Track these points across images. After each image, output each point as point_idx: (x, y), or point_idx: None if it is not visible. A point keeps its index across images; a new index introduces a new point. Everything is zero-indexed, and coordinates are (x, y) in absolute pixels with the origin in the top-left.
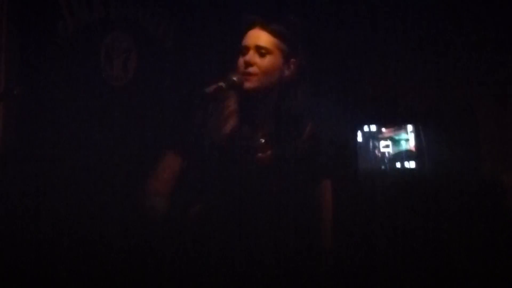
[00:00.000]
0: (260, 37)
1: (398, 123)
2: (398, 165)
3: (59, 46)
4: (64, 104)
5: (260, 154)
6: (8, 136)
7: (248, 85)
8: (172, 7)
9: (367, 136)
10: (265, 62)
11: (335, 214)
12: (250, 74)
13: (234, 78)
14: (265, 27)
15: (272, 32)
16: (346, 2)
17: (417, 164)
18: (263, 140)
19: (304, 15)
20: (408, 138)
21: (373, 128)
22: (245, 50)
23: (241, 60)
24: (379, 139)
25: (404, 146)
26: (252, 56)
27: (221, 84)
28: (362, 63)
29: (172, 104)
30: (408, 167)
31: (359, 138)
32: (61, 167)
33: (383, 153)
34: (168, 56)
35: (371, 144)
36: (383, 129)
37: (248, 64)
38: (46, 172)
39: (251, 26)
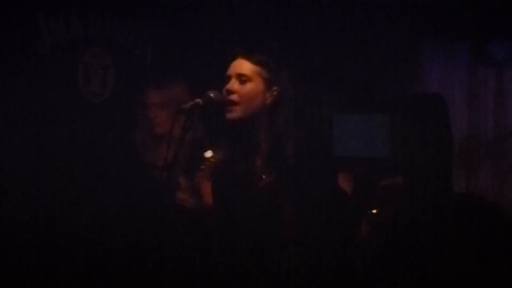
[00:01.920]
0: (242, 65)
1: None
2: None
3: (37, 63)
4: (42, 121)
5: (260, 184)
6: None
7: (230, 116)
8: (150, 24)
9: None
10: (246, 89)
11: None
12: (232, 102)
13: (211, 95)
14: (247, 57)
15: (254, 61)
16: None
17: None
18: (264, 176)
19: (286, 41)
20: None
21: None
22: (227, 79)
23: (224, 89)
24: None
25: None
26: (233, 84)
27: (198, 100)
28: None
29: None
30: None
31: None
32: (39, 184)
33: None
34: (146, 72)
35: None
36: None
37: (229, 91)
38: (24, 189)
39: (234, 57)
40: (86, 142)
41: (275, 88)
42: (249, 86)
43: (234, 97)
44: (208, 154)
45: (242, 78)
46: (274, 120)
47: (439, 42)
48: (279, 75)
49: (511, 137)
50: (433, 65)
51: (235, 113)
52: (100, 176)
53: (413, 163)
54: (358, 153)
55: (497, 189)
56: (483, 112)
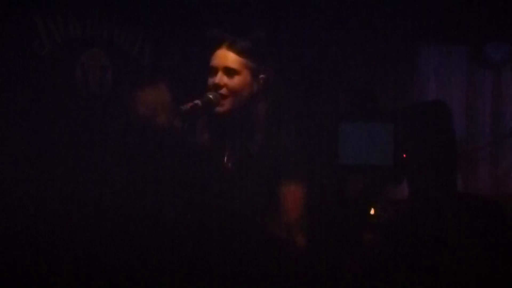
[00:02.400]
0: (227, 57)
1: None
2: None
3: (35, 64)
4: (41, 122)
5: (224, 165)
6: None
7: (219, 109)
8: (148, 25)
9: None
10: (234, 82)
11: (306, 213)
12: (221, 96)
13: (210, 96)
14: (231, 46)
15: (239, 52)
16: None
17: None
18: (226, 153)
19: (271, 27)
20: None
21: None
22: (213, 71)
23: (210, 82)
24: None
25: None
26: (220, 77)
27: (197, 102)
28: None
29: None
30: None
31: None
32: (38, 185)
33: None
34: (144, 73)
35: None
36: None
37: (218, 86)
38: (22, 191)
39: (218, 46)
40: (84, 142)
41: (261, 76)
42: (237, 79)
43: (223, 91)
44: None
45: (230, 71)
46: (255, 109)
47: (437, 45)
48: (265, 64)
49: (509, 138)
50: (430, 67)
51: (224, 106)
52: (98, 176)
53: (418, 170)
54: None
55: (495, 190)
56: (480, 113)
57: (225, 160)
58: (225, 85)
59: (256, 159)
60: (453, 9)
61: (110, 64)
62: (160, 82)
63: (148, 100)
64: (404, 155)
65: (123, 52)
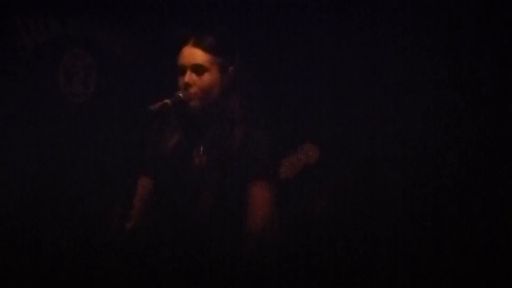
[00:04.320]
0: (195, 55)
1: None
2: None
3: (17, 65)
4: (24, 123)
5: (197, 160)
6: None
7: (191, 107)
8: (130, 23)
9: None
10: (204, 80)
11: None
12: (191, 95)
13: (180, 95)
14: (198, 43)
15: (205, 49)
16: None
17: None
18: (202, 148)
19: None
20: None
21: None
22: (182, 70)
23: (180, 81)
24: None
25: None
26: (190, 76)
27: (167, 101)
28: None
29: (133, 119)
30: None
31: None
32: (23, 186)
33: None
34: (128, 71)
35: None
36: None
37: (187, 85)
38: (8, 190)
39: (184, 43)
40: (69, 143)
41: (230, 69)
42: (206, 77)
43: (193, 90)
44: None
45: (198, 69)
46: (229, 103)
47: None
48: (233, 56)
49: None
50: None
51: (196, 102)
52: (83, 176)
53: None
54: None
55: None
56: None
57: (201, 152)
58: (195, 84)
59: (231, 157)
60: None
61: (94, 64)
62: None
63: None
64: None
65: (106, 51)
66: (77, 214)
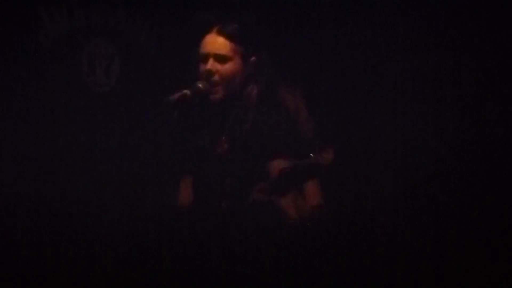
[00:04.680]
0: (218, 43)
1: None
2: None
3: (40, 54)
4: (47, 112)
5: (218, 150)
6: None
7: (214, 97)
8: (154, 13)
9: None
10: (226, 69)
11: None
12: (213, 83)
13: (200, 85)
14: (221, 32)
15: (229, 37)
16: None
17: None
18: (223, 137)
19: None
20: None
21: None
22: (204, 57)
23: (202, 68)
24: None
25: None
26: (212, 64)
27: (186, 91)
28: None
29: (155, 110)
30: None
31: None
32: (45, 175)
33: None
34: (151, 61)
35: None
36: None
37: (210, 73)
38: (28, 180)
39: (207, 30)
40: (91, 133)
41: (252, 59)
42: (228, 66)
43: (216, 78)
44: None
45: (221, 58)
46: (246, 90)
47: None
48: (256, 46)
49: None
50: None
51: (218, 94)
52: (105, 167)
53: None
54: None
55: None
56: None
57: (223, 141)
58: (217, 72)
59: (249, 137)
60: None
61: (117, 53)
62: None
63: None
64: None
65: (129, 40)
66: (103, 206)
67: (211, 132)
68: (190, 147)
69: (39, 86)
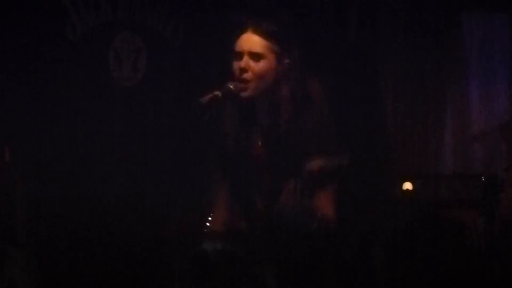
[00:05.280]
0: (253, 41)
1: None
2: None
3: (68, 49)
4: (75, 106)
5: (254, 152)
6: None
7: (245, 94)
8: (181, 6)
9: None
10: (260, 67)
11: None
12: (245, 80)
13: (231, 86)
14: (257, 30)
15: (264, 35)
16: None
17: None
18: (259, 142)
19: (296, 12)
20: None
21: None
22: (239, 55)
23: (235, 66)
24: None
25: None
26: (246, 61)
27: (217, 93)
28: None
29: (183, 104)
30: None
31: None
32: (73, 168)
33: None
34: (178, 55)
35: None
36: None
37: (243, 70)
38: (56, 173)
39: (243, 30)
40: (118, 126)
41: (286, 61)
42: (262, 64)
43: (248, 75)
44: None
45: (255, 56)
46: (280, 93)
47: (480, 12)
48: (290, 47)
49: None
50: (472, 34)
51: (249, 91)
52: (131, 160)
53: None
54: None
55: None
56: None
57: (258, 143)
58: (250, 69)
59: (283, 137)
60: None
61: (144, 47)
62: None
63: None
64: None
65: (156, 34)
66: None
67: (244, 132)
68: (222, 147)
69: (66, 81)
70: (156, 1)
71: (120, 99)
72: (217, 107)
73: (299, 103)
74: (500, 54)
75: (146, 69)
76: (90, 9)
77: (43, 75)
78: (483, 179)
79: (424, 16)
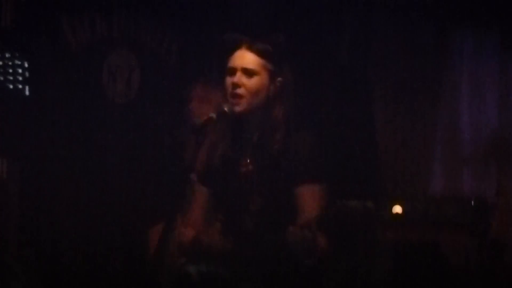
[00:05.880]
0: (246, 58)
1: None
2: None
3: (63, 65)
4: (68, 122)
5: (243, 169)
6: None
7: (237, 109)
8: (175, 24)
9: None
10: (252, 83)
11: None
12: (238, 95)
13: (225, 109)
14: (251, 47)
15: (258, 53)
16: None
17: None
18: (247, 155)
19: (289, 33)
20: None
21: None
22: (232, 71)
23: (228, 81)
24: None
25: None
26: (239, 77)
27: (212, 115)
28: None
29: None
30: None
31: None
32: (65, 183)
33: None
34: (171, 72)
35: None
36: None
37: (236, 85)
38: (49, 190)
39: (237, 46)
40: (112, 144)
41: (279, 79)
42: (255, 80)
43: (240, 91)
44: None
45: (248, 72)
46: (273, 112)
47: (469, 32)
48: (283, 67)
49: None
50: (462, 55)
51: (241, 106)
52: (123, 174)
53: None
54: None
55: None
56: None
57: (248, 161)
58: (243, 85)
59: (276, 160)
60: None
61: (138, 64)
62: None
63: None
64: None
65: (150, 52)
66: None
67: (235, 148)
68: (212, 161)
69: (61, 97)
70: (151, 19)
71: (114, 116)
72: (209, 130)
73: (292, 125)
74: (491, 75)
75: (139, 86)
76: (85, 27)
77: (38, 90)
78: (472, 203)
79: (414, 36)
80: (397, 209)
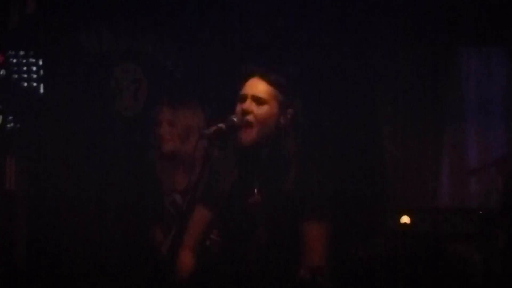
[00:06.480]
0: (258, 86)
1: None
2: None
3: (69, 78)
4: (75, 135)
5: (251, 200)
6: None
7: (245, 137)
8: (182, 37)
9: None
10: (262, 111)
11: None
12: (247, 122)
13: (235, 119)
14: (263, 77)
15: (270, 82)
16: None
17: None
18: (257, 187)
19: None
20: None
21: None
22: (243, 98)
23: (239, 108)
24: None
25: None
26: (249, 104)
27: (221, 125)
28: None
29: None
30: None
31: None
32: (73, 197)
33: None
34: (178, 85)
35: None
36: None
37: (246, 112)
38: (56, 204)
39: (250, 76)
40: (118, 155)
41: (289, 110)
42: (265, 108)
43: (250, 118)
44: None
45: (258, 100)
46: (284, 146)
47: (476, 46)
48: (294, 99)
49: None
50: (470, 70)
51: (250, 135)
52: (132, 186)
53: None
54: None
55: None
56: None
57: (256, 192)
58: (252, 112)
59: (287, 197)
60: (492, 11)
61: (144, 78)
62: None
63: (180, 123)
64: None
65: (157, 65)
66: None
67: (243, 178)
68: (220, 186)
69: (67, 110)
70: (157, 33)
71: (120, 128)
72: (221, 139)
73: (304, 163)
74: (497, 90)
75: (146, 99)
76: (92, 40)
77: (47, 102)
78: (480, 213)
79: (421, 53)
80: (405, 219)
